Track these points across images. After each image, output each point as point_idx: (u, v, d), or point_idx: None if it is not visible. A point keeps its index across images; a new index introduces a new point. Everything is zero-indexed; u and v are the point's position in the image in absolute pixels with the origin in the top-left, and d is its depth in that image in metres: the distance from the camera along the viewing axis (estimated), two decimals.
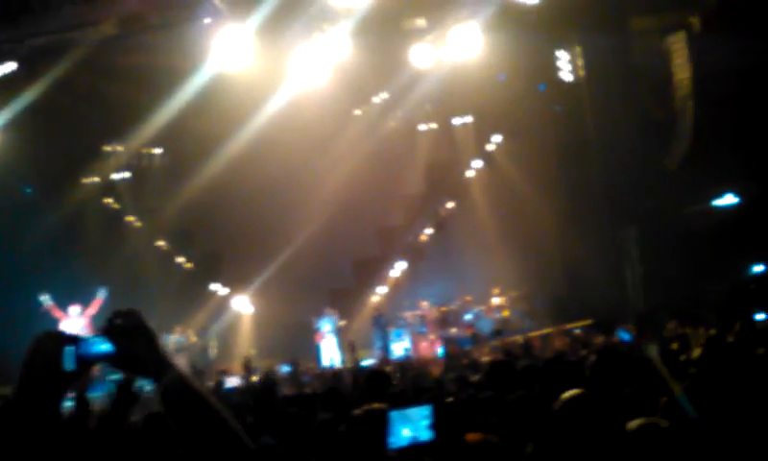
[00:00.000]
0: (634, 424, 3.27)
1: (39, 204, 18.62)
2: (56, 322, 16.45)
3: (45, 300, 15.75)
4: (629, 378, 5.32)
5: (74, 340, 1.71)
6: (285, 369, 15.40)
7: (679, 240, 17.14)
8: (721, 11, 15.47)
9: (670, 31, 17.28)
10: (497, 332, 17.26)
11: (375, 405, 3.62)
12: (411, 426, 3.42)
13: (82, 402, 6.12)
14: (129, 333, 1.76)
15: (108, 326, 1.76)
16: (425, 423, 3.41)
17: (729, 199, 17.92)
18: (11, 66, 13.39)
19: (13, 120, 14.92)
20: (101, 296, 16.25)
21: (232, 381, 14.16)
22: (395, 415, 3.35)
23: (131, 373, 1.88)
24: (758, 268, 17.02)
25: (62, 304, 16.24)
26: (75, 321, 15.82)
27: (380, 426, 3.40)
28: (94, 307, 16.16)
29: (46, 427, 1.70)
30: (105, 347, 1.70)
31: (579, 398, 3.46)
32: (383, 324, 18.70)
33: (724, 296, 15.43)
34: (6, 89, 14.09)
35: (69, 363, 1.70)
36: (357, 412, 3.54)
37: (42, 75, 13.90)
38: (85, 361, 1.73)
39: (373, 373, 7.59)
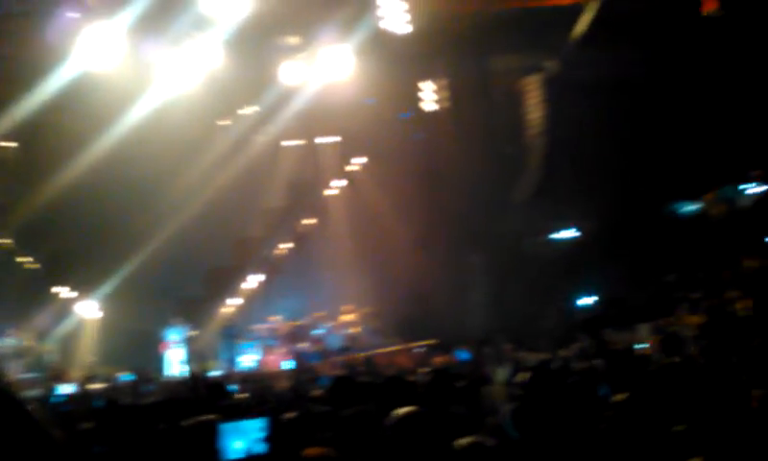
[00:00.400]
0: (462, 441, 3.36)
1: None
2: None
3: None
4: (461, 397, 5.69)
5: None
6: (126, 377, 15.17)
7: (519, 268, 18.19)
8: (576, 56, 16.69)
9: (527, 72, 18.49)
10: (345, 349, 17.73)
11: (207, 416, 3.64)
12: (244, 439, 3.45)
13: None
14: None
15: None
16: (260, 435, 3.47)
17: (569, 233, 19.20)
18: None
19: None
20: None
21: (67, 389, 13.77)
22: (227, 427, 3.36)
23: None
24: (585, 300, 18.34)
25: None
26: None
27: (210, 438, 3.43)
28: None
29: None
30: None
31: (411, 415, 3.64)
32: (233, 335, 18.70)
33: (555, 322, 16.67)
34: None
35: None
36: (188, 423, 3.58)
37: None
38: None
39: (212, 384, 7.60)
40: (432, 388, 5.82)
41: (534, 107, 18.23)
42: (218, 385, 7.16)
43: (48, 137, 17.96)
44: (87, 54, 13.74)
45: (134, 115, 15.93)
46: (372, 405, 4.78)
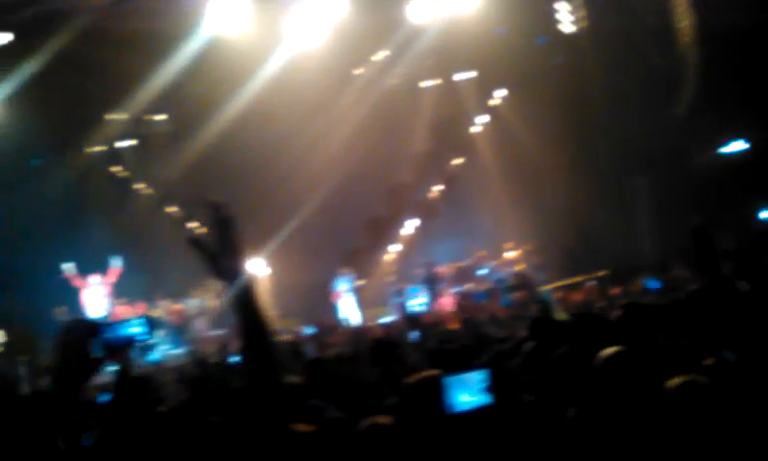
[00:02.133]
0: (674, 382, 3.18)
1: (47, 174, 18.78)
2: (77, 290, 16.80)
3: (68, 268, 15.92)
4: (661, 330, 5.21)
5: (99, 327, 1.73)
6: (308, 331, 15.54)
7: (687, 188, 17.02)
8: None
9: None
10: (514, 287, 17.29)
11: (430, 372, 3.54)
12: (468, 391, 3.34)
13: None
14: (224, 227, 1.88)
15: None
16: (481, 386, 3.33)
17: (738, 145, 17.70)
18: (6, 37, 13.45)
19: (14, 93, 15.04)
20: (117, 264, 16.43)
21: None
22: (451, 380, 3.27)
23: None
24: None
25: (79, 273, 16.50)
26: (96, 289, 16.04)
27: (436, 392, 3.32)
28: (113, 276, 16.35)
29: (76, 413, 1.77)
30: (135, 331, 1.71)
31: (619, 355, 3.41)
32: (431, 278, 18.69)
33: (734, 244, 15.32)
34: (4, 62, 14.18)
35: (97, 350, 1.72)
36: (410, 380, 3.49)
37: (38, 45, 13.94)
38: (112, 344, 1.75)
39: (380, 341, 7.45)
40: (628, 323, 5.36)
41: (682, 14, 16.65)
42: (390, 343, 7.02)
43: (190, 105, 18.56)
44: (218, 20, 14.00)
45: (269, 75, 16.16)
46: (569, 345, 4.57)
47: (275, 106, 17.54)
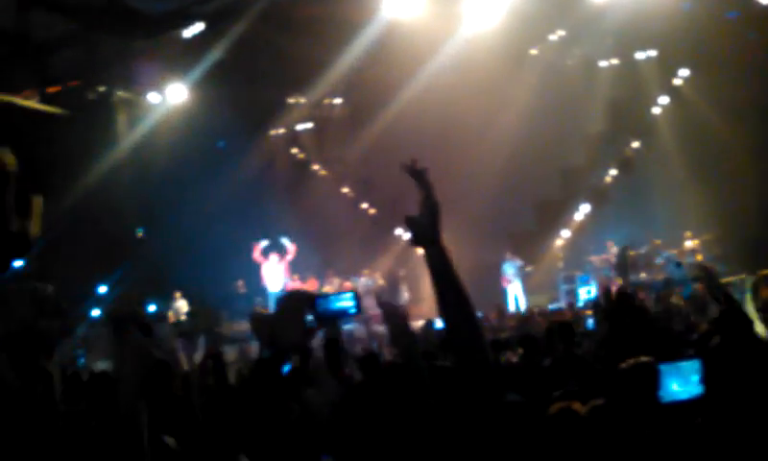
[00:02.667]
0: None
1: (231, 156, 19.83)
2: (255, 266, 17.67)
3: (259, 244, 16.67)
4: None
5: (315, 299, 1.85)
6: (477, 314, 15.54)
7: None
8: None
9: None
10: (696, 278, 16.40)
11: (643, 358, 3.45)
12: (681, 380, 3.22)
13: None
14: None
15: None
16: (694, 376, 3.21)
17: None
18: (198, 27, 14.26)
19: (202, 78, 15.96)
20: (292, 243, 17.11)
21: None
22: (665, 368, 3.17)
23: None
24: None
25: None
26: (275, 267, 16.76)
27: (651, 380, 3.27)
28: (290, 254, 17.03)
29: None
30: (345, 306, 1.81)
31: None
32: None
33: None
34: (194, 49, 15.06)
35: (313, 320, 1.85)
36: (624, 365, 3.43)
37: (226, 33, 14.68)
38: (325, 315, 1.86)
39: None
40: None
41: None
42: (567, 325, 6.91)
43: (367, 89, 18.96)
44: (394, 4, 14.16)
45: (444, 56, 16.20)
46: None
47: (449, 87, 17.60)
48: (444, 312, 2.04)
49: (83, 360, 11.48)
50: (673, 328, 8.08)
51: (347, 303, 1.81)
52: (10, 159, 0.68)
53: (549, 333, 6.62)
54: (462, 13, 15.09)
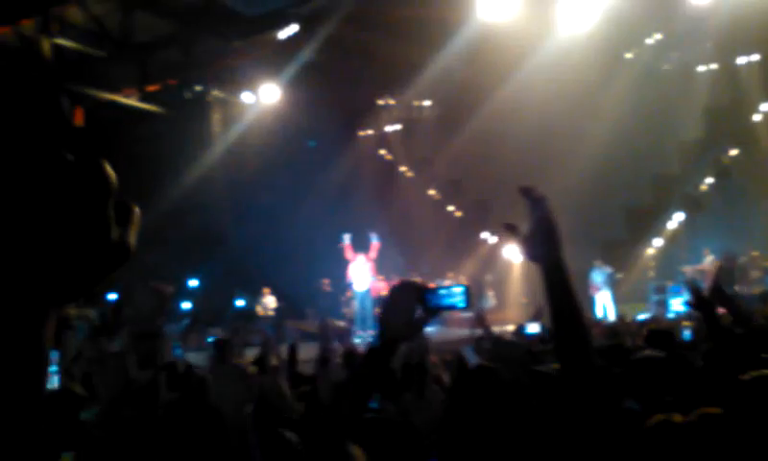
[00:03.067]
0: None
1: (321, 156, 20.08)
2: (340, 264, 17.85)
3: (345, 238, 16.91)
4: None
5: (426, 291, 1.88)
6: None
7: None
8: None
9: None
10: None
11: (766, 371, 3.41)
12: None
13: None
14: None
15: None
16: None
17: None
18: (293, 28, 14.47)
19: (296, 78, 16.21)
20: (376, 241, 17.18)
21: (533, 328, 14.32)
22: None
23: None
24: None
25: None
26: (361, 264, 16.87)
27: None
28: (374, 252, 17.14)
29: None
30: (455, 300, 1.83)
31: None
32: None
33: None
34: (287, 49, 15.29)
35: (421, 311, 1.89)
36: (746, 377, 3.36)
37: (319, 34, 14.86)
38: (434, 309, 1.90)
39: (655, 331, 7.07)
40: None
41: None
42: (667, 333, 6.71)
43: (457, 92, 18.86)
44: (489, 6, 14.04)
45: (536, 60, 15.98)
46: None
47: (541, 91, 17.34)
48: (557, 325, 2.01)
49: (179, 351, 11.80)
50: None
51: (457, 297, 1.80)
52: (111, 172, 0.70)
53: (649, 342, 6.39)
54: (556, 16, 14.83)
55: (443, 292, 1.84)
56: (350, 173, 20.69)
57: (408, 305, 1.87)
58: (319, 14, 14.62)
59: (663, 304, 17.38)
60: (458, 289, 1.83)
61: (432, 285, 1.92)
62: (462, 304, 1.84)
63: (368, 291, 16.62)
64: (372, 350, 1.93)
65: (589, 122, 18.68)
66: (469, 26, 14.77)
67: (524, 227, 2.27)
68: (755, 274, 17.48)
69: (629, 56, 18.96)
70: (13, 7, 13.03)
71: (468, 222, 22.26)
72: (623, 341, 9.65)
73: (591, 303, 17.73)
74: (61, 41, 14.21)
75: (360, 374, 1.95)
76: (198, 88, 16.59)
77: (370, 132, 21.59)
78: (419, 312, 1.88)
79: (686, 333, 9.64)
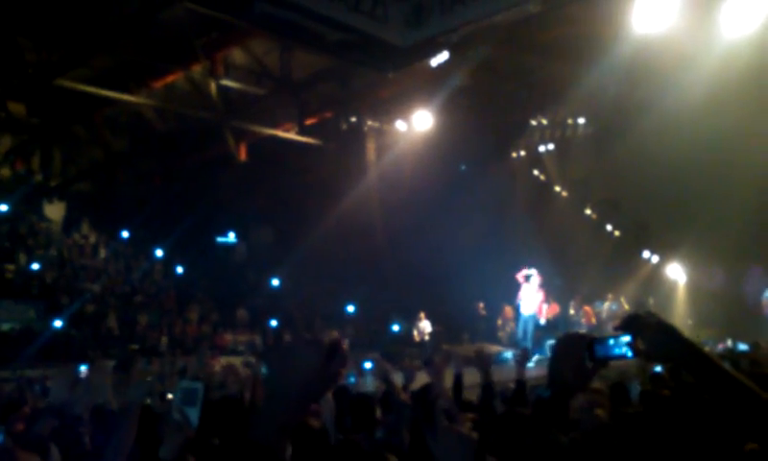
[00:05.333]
0: None
1: (473, 179, 20.10)
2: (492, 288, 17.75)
3: (529, 274, 16.88)
4: None
5: (593, 341, 1.87)
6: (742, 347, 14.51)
7: None
8: None
9: None
10: None
11: None
12: None
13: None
14: (654, 331, 1.81)
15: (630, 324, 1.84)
16: None
17: None
18: (444, 55, 14.59)
19: (446, 103, 16.35)
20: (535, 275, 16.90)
21: None
22: None
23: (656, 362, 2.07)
24: None
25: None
26: (533, 293, 16.76)
27: None
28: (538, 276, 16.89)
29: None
30: (622, 350, 1.83)
31: None
32: None
33: None
34: (439, 76, 15.44)
35: (590, 360, 1.91)
36: None
37: (469, 58, 14.92)
38: (602, 359, 1.91)
39: None
40: None
41: None
42: None
43: (612, 108, 18.36)
44: (644, 19, 13.60)
45: (697, 71, 15.27)
46: None
47: (703, 102, 16.53)
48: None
49: (353, 379, 12.15)
50: None
51: (624, 348, 1.77)
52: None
53: None
54: (719, 19, 14.11)
55: (610, 342, 1.82)
56: (504, 195, 20.58)
57: (576, 356, 1.84)
58: (469, 40, 14.66)
59: None
60: (625, 339, 1.80)
61: (597, 335, 1.89)
62: (629, 354, 1.81)
63: (533, 315, 16.44)
64: (542, 400, 1.92)
65: (758, 132, 17.58)
66: (624, 39, 14.33)
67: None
68: None
69: None
70: (184, 52, 13.97)
71: (627, 242, 21.56)
72: None
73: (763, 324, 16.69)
74: (227, 82, 15.11)
75: (528, 423, 1.95)
76: (353, 119, 17.08)
77: (522, 152, 21.40)
78: (587, 363, 1.86)
79: None
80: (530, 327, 16.26)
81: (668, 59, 15.02)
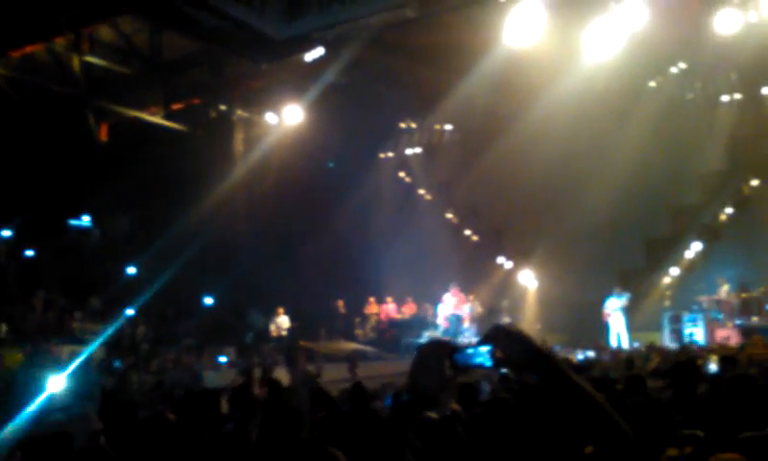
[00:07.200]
0: None
1: (341, 177, 20.14)
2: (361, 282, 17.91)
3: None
4: None
5: (455, 349, 1.90)
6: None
7: None
8: None
9: None
10: None
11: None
12: None
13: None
14: (511, 341, 1.86)
15: (494, 335, 1.87)
16: None
17: None
18: (319, 51, 14.56)
19: (318, 99, 16.30)
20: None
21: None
22: None
23: (512, 370, 2.09)
24: None
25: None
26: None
27: None
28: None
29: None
30: (482, 360, 1.85)
31: None
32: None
33: None
34: (312, 72, 15.40)
35: (450, 369, 1.92)
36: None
37: (343, 57, 14.95)
38: (463, 368, 1.92)
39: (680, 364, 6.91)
40: None
41: None
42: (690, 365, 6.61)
43: (478, 117, 18.94)
44: (514, 33, 14.07)
45: (559, 88, 15.99)
46: None
47: (564, 119, 17.35)
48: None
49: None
50: None
51: (483, 357, 1.85)
52: None
53: (674, 373, 6.30)
54: (581, 43, 14.85)
55: (470, 352, 1.88)
56: (370, 195, 20.74)
57: (437, 364, 1.87)
58: (344, 39, 14.69)
59: (678, 333, 17.33)
60: (484, 349, 1.87)
61: (459, 344, 1.95)
62: (489, 363, 1.89)
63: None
64: (402, 405, 1.97)
65: (611, 151, 18.63)
66: (494, 52, 14.79)
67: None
68: None
69: (653, 84, 19.01)
70: (48, 25, 13.18)
71: (484, 247, 22.24)
72: (641, 371, 9.59)
73: (606, 329, 17.68)
74: (91, 59, 14.38)
75: (387, 428, 1.98)
76: (222, 108, 16.70)
77: (390, 154, 21.68)
78: (448, 371, 1.92)
79: (711, 367, 9.55)
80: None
81: (534, 75, 15.65)
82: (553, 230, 19.25)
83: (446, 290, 18.72)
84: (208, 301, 17.95)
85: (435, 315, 18.87)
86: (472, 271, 20.96)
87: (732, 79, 18.98)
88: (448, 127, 20.82)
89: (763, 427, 3.40)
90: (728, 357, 8.58)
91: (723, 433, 3.57)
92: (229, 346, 15.10)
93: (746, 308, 17.58)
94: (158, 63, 15.01)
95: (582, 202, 18.70)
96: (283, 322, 17.28)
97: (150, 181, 16.83)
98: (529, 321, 20.05)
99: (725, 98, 19.69)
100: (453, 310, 18.41)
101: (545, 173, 19.06)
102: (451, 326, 18.08)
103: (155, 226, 16.97)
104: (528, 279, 21.01)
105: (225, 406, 5.62)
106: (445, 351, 1.90)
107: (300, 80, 16.05)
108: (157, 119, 16.15)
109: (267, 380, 6.42)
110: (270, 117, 17.14)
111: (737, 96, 19.64)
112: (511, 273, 21.58)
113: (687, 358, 8.70)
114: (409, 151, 21.71)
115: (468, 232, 22.54)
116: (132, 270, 18.02)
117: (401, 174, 22.48)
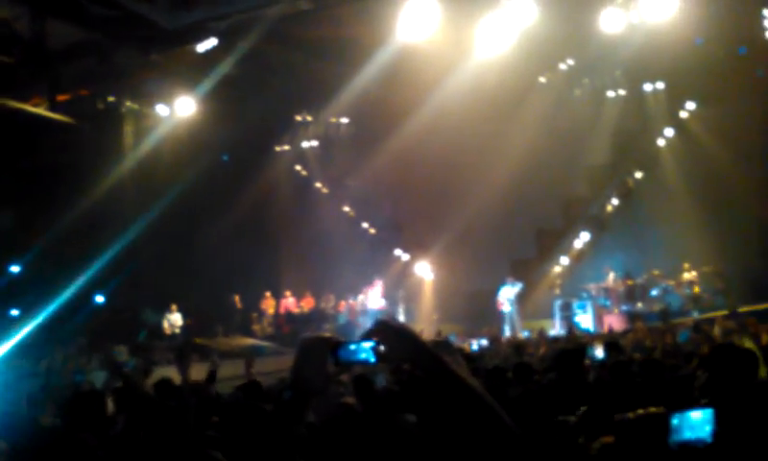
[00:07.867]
0: None
1: (235, 170, 19.81)
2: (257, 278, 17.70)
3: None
4: None
5: (337, 345, 1.86)
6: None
7: None
8: None
9: None
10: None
11: (652, 409, 3.34)
12: (691, 432, 3.15)
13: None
14: (394, 336, 1.84)
15: (377, 330, 1.85)
16: (708, 428, 3.14)
17: None
18: (211, 42, 14.24)
19: (211, 91, 15.96)
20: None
21: None
22: (676, 418, 3.10)
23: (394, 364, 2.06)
24: None
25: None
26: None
27: (659, 431, 3.06)
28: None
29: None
30: (366, 356, 1.82)
31: None
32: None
33: None
34: (205, 63, 15.06)
35: (335, 365, 1.87)
36: (631, 416, 3.34)
37: (237, 49, 14.68)
38: (346, 364, 1.88)
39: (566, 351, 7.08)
40: None
41: None
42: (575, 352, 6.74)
43: (374, 110, 18.98)
44: (407, 28, 14.15)
45: (452, 82, 16.22)
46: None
47: (457, 112, 17.61)
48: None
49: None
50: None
51: (367, 353, 1.84)
52: None
53: (559, 360, 6.46)
54: (473, 39, 15.10)
55: (353, 347, 1.87)
56: (266, 188, 20.49)
57: (320, 360, 1.85)
58: (238, 29, 14.43)
59: (568, 321, 17.91)
60: (367, 345, 1.85)
61: (342, 340, 1.92)
62: (372, 359, 1.87)
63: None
64: (284, 402, 1.94)
65: (503, 144, 19.05)
66: (388, 46, 14.85)
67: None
68: (655, 292, 18.20)
69: (542, 80, 19.54)
70: None
71: (382, 240, 22.36)
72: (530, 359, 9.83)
73: (501, 318, 18.08)
74: None
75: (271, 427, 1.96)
76: (111, 99, 16.12)
77: (287, 147, 21.48)
78: (330, 366, 1.90)
79: (596, 353, 9.86)
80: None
81: (428, 69, 15.79)
82: (448, 222, 19.54)
83: (351, 284, 18.83)
84: (99, 299, 17.37)
85: (364, 308, 19.01)
86: (370, 263, 21.05)
87: (616, 75, 19.76)
88: (344, 120, 20.80)
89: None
90: (612, 343, 8.88)
91: (603, 417, 3.68)
92: (122, 344, 14.66)
93: (631, 295, 18.39)
94: (42, 51, 14.29)
95: (475, 194, 19.06)
96: (177, 319, 16.90)
97: (34, 176, 16.13)
98: (426, 311, 20.29)
99: (610, 93, 20.49)
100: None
101: (440, 166, 19.35)
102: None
103: (40, 223, 16.26)
104: (424, 271, 21.24)
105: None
106: (327, 346, 1.87)
107: (193, 71, 15.66)
108: (41, 111, 15.41)
109: (159, 381, 6.23)
110: (161, 109, 16.66)
111: (622, 92, 20.46)
112: (408, 265, 21.77)
113: (573, 346, 8.94)
114: (305, 144, 21.58)
115: (365, 225, 22.59)
116: (15, 268, 17.25)
117: (298, 167, 22.32)
